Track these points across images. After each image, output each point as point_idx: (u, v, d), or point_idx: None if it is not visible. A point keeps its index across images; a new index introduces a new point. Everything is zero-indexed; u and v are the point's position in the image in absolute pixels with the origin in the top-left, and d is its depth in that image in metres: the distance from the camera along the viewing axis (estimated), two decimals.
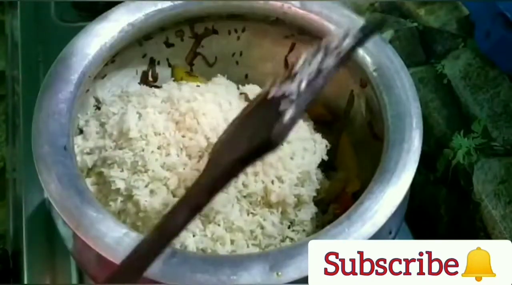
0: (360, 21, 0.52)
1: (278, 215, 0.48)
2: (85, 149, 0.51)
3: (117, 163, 0.49)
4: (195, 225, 0.46)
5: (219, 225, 0.46)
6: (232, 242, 0.46)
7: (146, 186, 0.47)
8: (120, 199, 0.48)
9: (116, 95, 0.57)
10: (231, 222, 0.46)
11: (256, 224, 0.47)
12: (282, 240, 0.48)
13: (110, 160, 0.49)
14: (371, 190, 0.43)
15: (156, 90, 0.56)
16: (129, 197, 0.48)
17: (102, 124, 0.52)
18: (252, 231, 0.47)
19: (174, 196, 0.47)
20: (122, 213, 0.48)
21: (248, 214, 0.48)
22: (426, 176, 0.63)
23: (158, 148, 0.49)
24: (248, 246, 0.47)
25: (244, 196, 0.48)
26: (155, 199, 0.47)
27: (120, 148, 0.49)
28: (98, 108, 0.56)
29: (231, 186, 0.47)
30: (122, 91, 0.57)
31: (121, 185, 0.48)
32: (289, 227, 0.49)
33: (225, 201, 0.47)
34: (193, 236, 0.46)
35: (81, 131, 0.53)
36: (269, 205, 0.48)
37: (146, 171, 0.48)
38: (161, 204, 0.46)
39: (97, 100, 0.56)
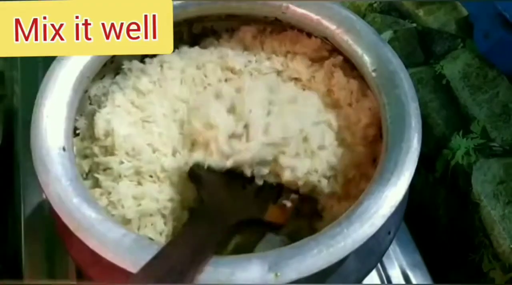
0: (359, 21, 0.52)
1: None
2: (82, 152, 0.51)
3: (111, 171, 0.48)
4: None
5: None
6: None
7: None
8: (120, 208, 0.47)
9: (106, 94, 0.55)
10: None
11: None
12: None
13: (103, 166, 0.49)
14: (370, 191, 0.43)
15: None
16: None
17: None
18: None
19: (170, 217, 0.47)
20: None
21: None
22: (425, 176, 0.63)
23: (154, 151, 0.49)
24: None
25: None
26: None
27: (111, 154, 0.49)
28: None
29: None
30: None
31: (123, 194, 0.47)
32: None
33: None
34: None
35: (79, 132, 0.53)
36: None
37: (140, 181, 0.48)
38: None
39: (95, 101, 0.56)
